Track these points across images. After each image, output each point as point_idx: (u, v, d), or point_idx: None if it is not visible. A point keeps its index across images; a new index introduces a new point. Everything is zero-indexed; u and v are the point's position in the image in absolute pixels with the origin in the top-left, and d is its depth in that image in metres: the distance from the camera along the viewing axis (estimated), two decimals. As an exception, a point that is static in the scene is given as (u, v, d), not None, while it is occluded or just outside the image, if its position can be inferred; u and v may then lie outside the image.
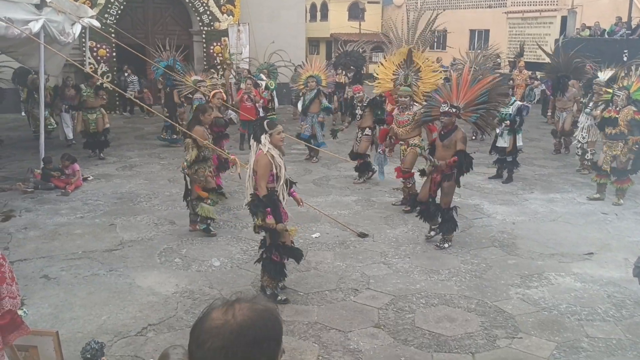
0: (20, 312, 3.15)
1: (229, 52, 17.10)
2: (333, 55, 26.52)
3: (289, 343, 4.59)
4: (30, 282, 5.67)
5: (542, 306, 5.38)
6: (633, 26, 20.48)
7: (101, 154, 11.38)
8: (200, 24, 18.27)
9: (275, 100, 14.33)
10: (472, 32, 28.56)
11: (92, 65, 15.79)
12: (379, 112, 9.50)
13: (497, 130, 9.70)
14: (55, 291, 5.53)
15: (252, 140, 5.53)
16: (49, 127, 11.82)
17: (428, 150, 7.11)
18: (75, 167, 9.34)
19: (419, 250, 6.79)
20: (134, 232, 7.25)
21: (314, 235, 7.18)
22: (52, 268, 6.06)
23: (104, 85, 11.98)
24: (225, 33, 18.38)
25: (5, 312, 2.90)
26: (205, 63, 17.91)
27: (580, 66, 11.79)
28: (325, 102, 11.15)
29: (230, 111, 10.95)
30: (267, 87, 13.10)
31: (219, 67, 17.23)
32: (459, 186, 7.00)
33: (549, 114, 12.69)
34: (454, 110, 6.69)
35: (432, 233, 7.05)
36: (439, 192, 6.94)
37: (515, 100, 9.98)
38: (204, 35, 18.38)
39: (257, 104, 11.77)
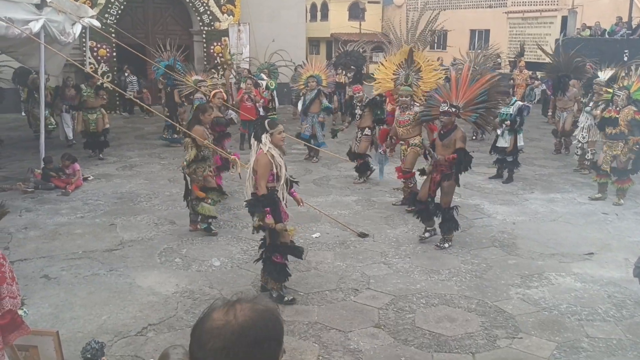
0: (20, 312, 3.15)
1: (229, 53, 17.10)
2: (333, 55, 26.54)
3: (289, 343, 4.59)
4: (30, 282, 5.67)
5: (542, 306, 5.38)
6: (633, 26, 20.48)
7: (100, 155, 11.38)
8: (201, 23, 18.27)
9: (276, 100, 14.33)
10: (472, 32, 28.57)
11: (92, 65, 15.80)
12: (379, 112, 9.50)
13: (498, 131, 9.71)
14: (56, 291, 5.53)
15: (252, 140, 5.52)
16: (49, 126, 11.82)
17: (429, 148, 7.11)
18: (76, 167, 9.35)
19: (419, 250, 6.79)
20: (134, 232, 7.25)
21: (314, 235, 7.18)
22: (53, 268, 6.07)
23: (104, 85, 11.99)
24: (225, 33, 18.39)
25: (5, 312, 2.90)
26: (205, 63, 17.92)
27: (581, 65, 11.79)
28: (325, 102, 11.14)
29: (230, 111, 10.95)
30: (267, 87, 13.10)
31: (219, 67, 17.24)
32: (458, 185, 7.00)
33: (550, 113, 12.69)
34: (453, 109, 6.69)
35: (427, 234, 7.03)
36: (438, 192, 6.94)
37: (515, 100, 9.98)
38: (204, 35, 18.39)
39: (257, 104, 11.77)
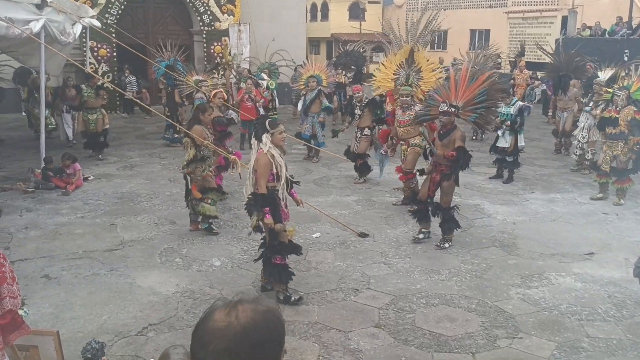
0: (21, 312, 3.16)
1: (230, 53, 17.10)
2: (333, 55, 26.53)
3: (289, 343, 4.59)
4: (30, 282, 5.67)
5: (542, 306, 5.38)
6: (634, 26, 20.48)
7: (99, 155, 11.37)
8: (201, 23, 18.26)
9: (276, 100, 14.33)
10: (472, 32, 28.56)
11: (92, 65, 15.80)
12: (378, 112, 9.50)
13: (499, 132, 9.70)
14: (56, 291, 5.53)
15: (253, 139, 5.52)
16: (49, 126, 11.83)
17: (429, 148, 7.11)
18: (76, 167, 9.35)
19: (420, 250, 6.79)
20: (134, 231, 7.25)
21: (314, 235, 7.18)
22: (53, 268, 6.07)
23: (105, 85, 11.99)
24: (225, 33, 18.38)
25: (6, 311, 2.90)
26: (206, 63, 17.92)
27: (581, 65, 11.79)
28: (325, 102, 11.14)
29: (230, 111, 10.96)
30: (267, 87, 13.10)
31: (220, 67, 17.24)
32: (458, 185, 7.00)
33: (550, 113, 12.69)
34: (452, 109, 6.69)
35: (421, 236, 7.02)
36: (438, 192, 6.94)
37: (516, 101, 9.98)
38: (204, 35, 18.38)
39: (257, 104, 11.77)
